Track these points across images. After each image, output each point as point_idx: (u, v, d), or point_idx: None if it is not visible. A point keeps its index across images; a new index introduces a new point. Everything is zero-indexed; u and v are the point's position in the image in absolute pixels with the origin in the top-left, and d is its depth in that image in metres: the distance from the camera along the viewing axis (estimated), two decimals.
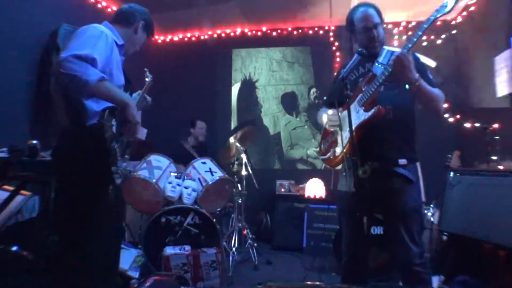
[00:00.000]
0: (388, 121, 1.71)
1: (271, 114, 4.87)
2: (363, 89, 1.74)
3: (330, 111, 1.82)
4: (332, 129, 1.85)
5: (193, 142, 4.07)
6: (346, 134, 1.70)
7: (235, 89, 4.99)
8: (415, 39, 1.57)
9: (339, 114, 1.70)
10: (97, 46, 1.50)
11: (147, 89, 2.18)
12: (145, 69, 2.26)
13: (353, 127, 1.66)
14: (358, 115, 1.73)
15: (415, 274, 1.64)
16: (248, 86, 4.95)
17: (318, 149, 4.60)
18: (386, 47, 1.68)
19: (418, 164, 1.84)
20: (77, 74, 1.37)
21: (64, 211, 1.54)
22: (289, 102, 4.83)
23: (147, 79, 2.20)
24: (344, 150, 1.71)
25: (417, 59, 1.76)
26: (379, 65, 1.66)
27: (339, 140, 1.81)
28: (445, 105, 1.77)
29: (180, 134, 4.16)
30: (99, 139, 1.49)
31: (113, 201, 1.60)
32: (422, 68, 1.73)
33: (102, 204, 1.55)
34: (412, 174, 1.73)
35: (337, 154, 1.81)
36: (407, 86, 1.67)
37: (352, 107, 1.75)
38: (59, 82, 1.43)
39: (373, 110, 1.66)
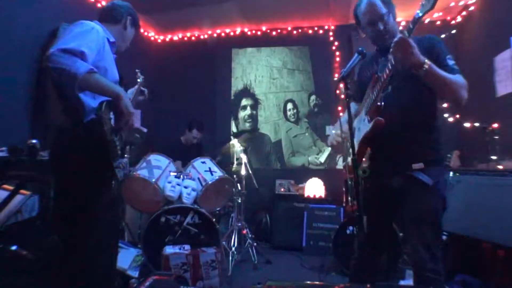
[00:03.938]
0: (396, 124, 1.58)
1: (272, 122, 4.87)
2: (370, 94, 1.64)
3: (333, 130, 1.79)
4: (335, 143, 1.77)
5: (185, 142, 3.99)
6: (355, 139, 1.60)
7: (245, 102, 4.98)
8: (415, 21, 1.40)
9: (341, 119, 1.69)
10: (86, 40, 1.48)
11: (139, 88, 2.18)
12: (137, 70, 2.28)
13: (360, 138, 1.64)
14: (364, 124, 1.66)
15: (426, 279, 1.52)
16: (255, 106, 4.95)
17: (318, 157, 4.61)
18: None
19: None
20: (65, 68, 1.36)
21: (67, 211, 1.53)
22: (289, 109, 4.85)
23: (138, 80, 2.21)
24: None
25: (437, 42, 1.58)
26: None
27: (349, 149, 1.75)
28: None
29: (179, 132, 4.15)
30: (98, 132, 1.46)
31: (116, 196, 1.59)
32: (440, 52, 1.54)
33: (105, 200, 1.54)
34: (433, 178, 1.56)
35: (349, 163, 1.70)
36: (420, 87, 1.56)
37: (362, 114, 1.71)
38: (50, 77, 1.41)
39: (371, 124, 1.57)
